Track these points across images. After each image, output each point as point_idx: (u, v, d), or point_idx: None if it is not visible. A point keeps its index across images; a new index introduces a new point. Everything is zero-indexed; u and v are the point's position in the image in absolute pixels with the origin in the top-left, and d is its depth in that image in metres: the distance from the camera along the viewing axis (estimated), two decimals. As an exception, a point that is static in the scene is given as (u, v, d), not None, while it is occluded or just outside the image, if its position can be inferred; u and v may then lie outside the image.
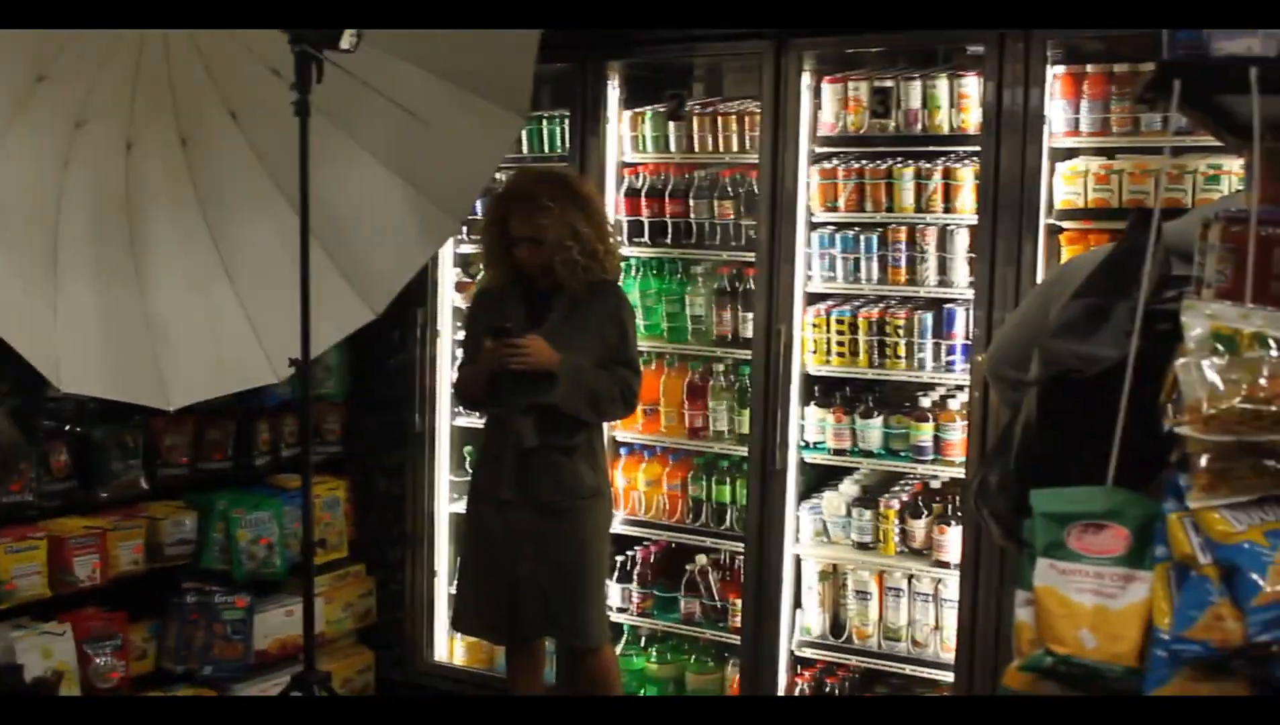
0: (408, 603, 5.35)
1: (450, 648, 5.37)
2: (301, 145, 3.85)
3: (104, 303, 4.09)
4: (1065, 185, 4.14)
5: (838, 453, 4.56)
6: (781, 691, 4.62)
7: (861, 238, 4.46)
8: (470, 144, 4.45)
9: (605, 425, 4.58)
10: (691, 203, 4.72)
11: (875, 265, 4.46)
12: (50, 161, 3.89)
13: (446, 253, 5.14)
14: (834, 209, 4.50)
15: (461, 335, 5.06)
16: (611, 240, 4.31)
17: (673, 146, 4.78)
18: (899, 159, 4.44)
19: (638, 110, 4.84)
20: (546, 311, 4.23)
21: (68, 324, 3.94)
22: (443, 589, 5.33)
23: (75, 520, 4.39)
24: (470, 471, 4.63)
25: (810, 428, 4.60)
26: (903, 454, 4.47)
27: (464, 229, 4.90)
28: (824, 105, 4.49)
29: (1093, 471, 2.27)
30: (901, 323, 4.42)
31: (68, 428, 4.38)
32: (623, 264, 4.65)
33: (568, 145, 4.89)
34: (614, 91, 4.81)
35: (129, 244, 4.15)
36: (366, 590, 5.35)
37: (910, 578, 4.48)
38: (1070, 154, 4.18)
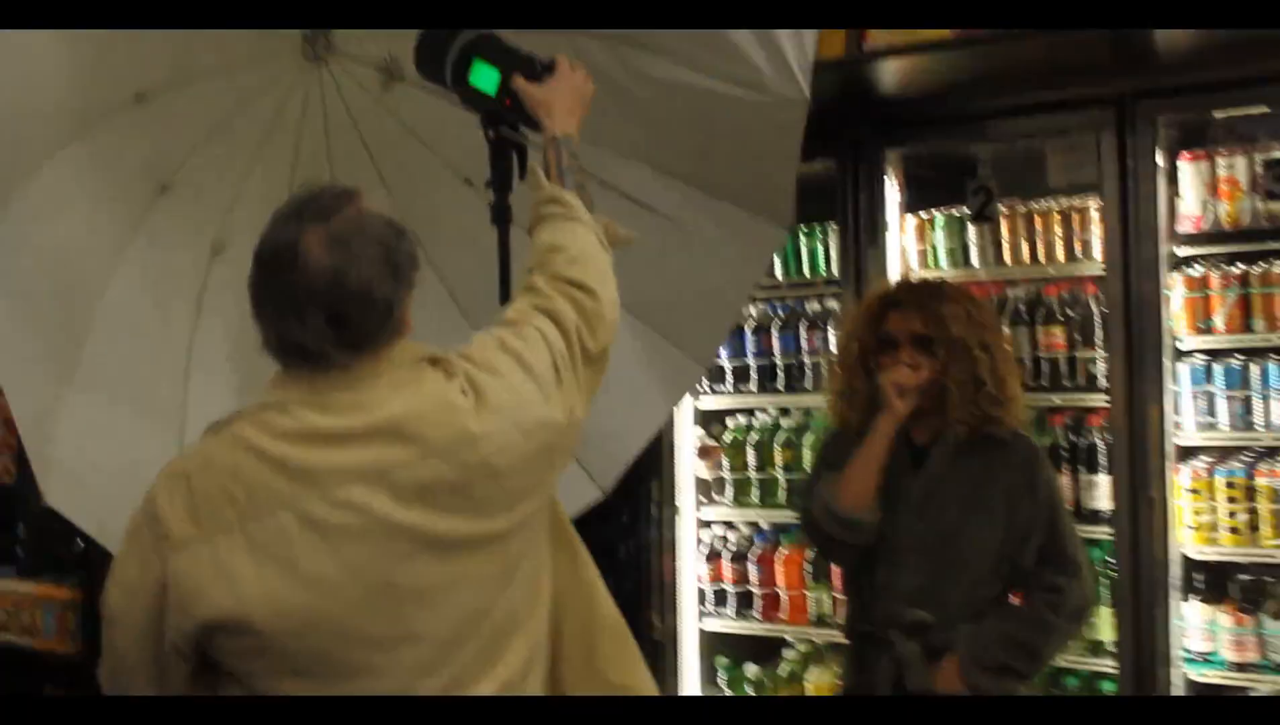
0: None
1: None
2: (501, 267, 2.81)
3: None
4: None
5: (1238, 668, 3.47)
6: None
7: (1251, 368, 3.57)
8: (719, 267, 3.40)
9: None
10: (1005, 332, 3.62)
11: (1275, 405, 3.51)
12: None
13: (685, 409, 4.35)
14: (1207, 331, 3.60)
15: (705, 514, 4.34)
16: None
17: (975, 259, 3.94)
18: (1297, 259, 3.55)
19: (924, 214, 3.90)
20: (918, 474, 2.91)
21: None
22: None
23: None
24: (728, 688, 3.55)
25: (1194, 632, 3.48)
26: (1336, 670, 3.35)
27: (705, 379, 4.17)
28: (1182, 190, 3.54)
29: None
30: (1321, 486, 3.39)
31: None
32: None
33: (833, 264, 4.08)
34: (893, 192, 3.89)
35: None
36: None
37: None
38: None
